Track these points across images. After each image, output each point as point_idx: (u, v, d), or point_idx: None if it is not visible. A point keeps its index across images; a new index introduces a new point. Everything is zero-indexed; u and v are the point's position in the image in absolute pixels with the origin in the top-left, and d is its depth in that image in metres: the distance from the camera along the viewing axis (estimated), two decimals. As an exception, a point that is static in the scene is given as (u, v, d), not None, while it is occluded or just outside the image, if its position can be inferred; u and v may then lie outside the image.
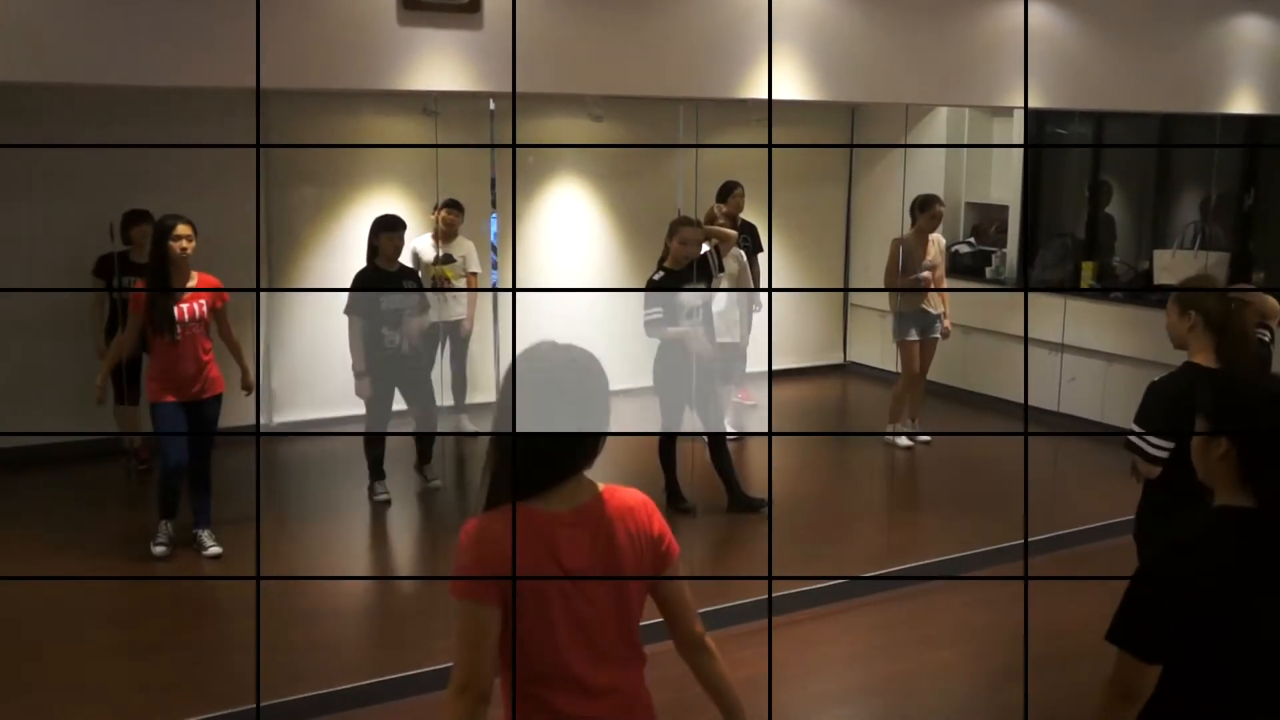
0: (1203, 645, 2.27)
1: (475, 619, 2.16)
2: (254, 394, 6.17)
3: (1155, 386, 3.90)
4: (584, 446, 2.27)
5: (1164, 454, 3.79)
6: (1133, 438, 3.81)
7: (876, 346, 9.13)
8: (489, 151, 8.74)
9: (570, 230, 9.28)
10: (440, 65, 4.74)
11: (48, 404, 7.38)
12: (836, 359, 10.54)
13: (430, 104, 7.25)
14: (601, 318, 9.12)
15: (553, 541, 2.21)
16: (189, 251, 5.75)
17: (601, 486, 2.32)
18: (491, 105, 8.53)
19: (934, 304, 7.93)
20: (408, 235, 7.09)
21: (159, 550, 5.93)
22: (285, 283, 8.34)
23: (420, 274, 7.36)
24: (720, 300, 7.00)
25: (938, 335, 7.99)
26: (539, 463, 2.23)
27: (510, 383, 2.25)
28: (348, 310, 6.65)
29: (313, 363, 8.31)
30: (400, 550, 6.69)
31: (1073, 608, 5.48)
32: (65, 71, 4.23)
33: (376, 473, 6.88)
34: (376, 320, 6.60)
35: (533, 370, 2.25)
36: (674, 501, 6.61)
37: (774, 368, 9.81)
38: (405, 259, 7.12)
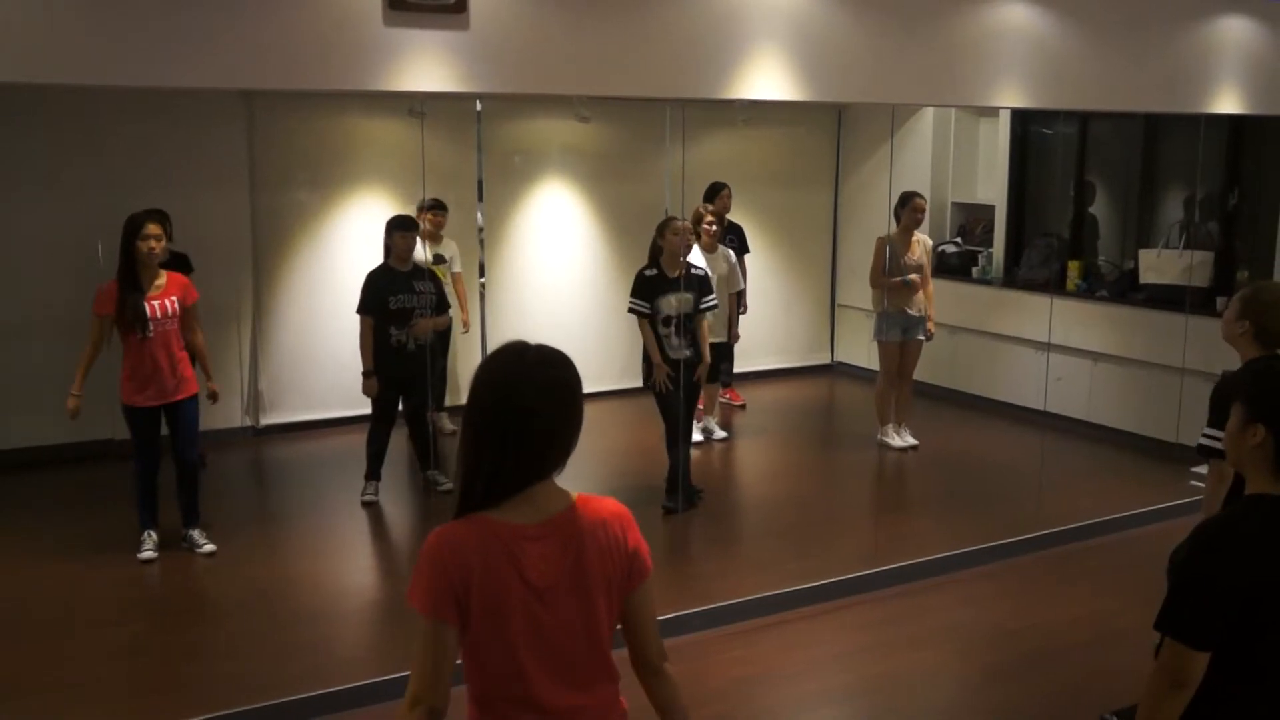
0: (1241, 630, 2.29)
1: (433, 634, 2.08)
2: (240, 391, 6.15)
3: (1218, 388, 3.85)
4: (553, 451, 2.16)
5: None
6: (1206, 441, 3.73)
7: (864, 347, 9.12)
8: (475, 152, 8.74)
9: (558, 231, 9.27)
10: (426, 66, 4.72)
11: (40, 406, 7.33)
12: (824, 359, 10.55)
13: (417, 105, 7.23)
14: (591, 319, 9.15)
15: (517, 555, 2.10)
16: (157, 251, 5.68)
17: (576, 496, 2.21)
18: (478, 106, 8.54)
19: (917, 306, 7.93)
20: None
21: (146, 556, 5.89)
22: (272, 284, 8.30)
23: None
24: (715, 298, 6.99)
25: (922, 337, 7.98)
26: (502, 470, 2.12)
27: (477, 384, 2.15)
28: (361, 310, 6.65)
29: (301, 364, 8.29)
30: (397, 552, 6.66)
31: (1061, 606, 5.50)
32: (48, 72, 4.19)
33: (372, 473, 6.86)
34: (385, 321, 6.60)
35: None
36: (688, 496, 6.68)
37: (761, 368, 9.87)
38: None
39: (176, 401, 5.85)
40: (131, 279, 5.68)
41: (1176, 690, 2.32)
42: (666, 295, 6.54)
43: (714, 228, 7.75)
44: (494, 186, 8.92)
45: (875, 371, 8.27)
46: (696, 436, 7.94)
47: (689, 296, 6.57)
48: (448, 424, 8.05)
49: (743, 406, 9.09)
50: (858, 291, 10.07)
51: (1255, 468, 2.38)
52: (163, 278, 5.80)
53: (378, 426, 6.84)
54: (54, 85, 4.50)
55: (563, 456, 2.18)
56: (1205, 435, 3.77)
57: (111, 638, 5.14)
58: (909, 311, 7.88)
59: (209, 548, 5.99)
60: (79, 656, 4.94)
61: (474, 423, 2.14)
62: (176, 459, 5.94)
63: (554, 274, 9.20)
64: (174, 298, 5.78)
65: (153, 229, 5.66)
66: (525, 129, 9.03)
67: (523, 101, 8.66)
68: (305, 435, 8.26)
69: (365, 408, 7.00)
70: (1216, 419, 3.65)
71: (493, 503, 2.13)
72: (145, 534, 5.93)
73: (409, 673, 2.11)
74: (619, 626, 2.26)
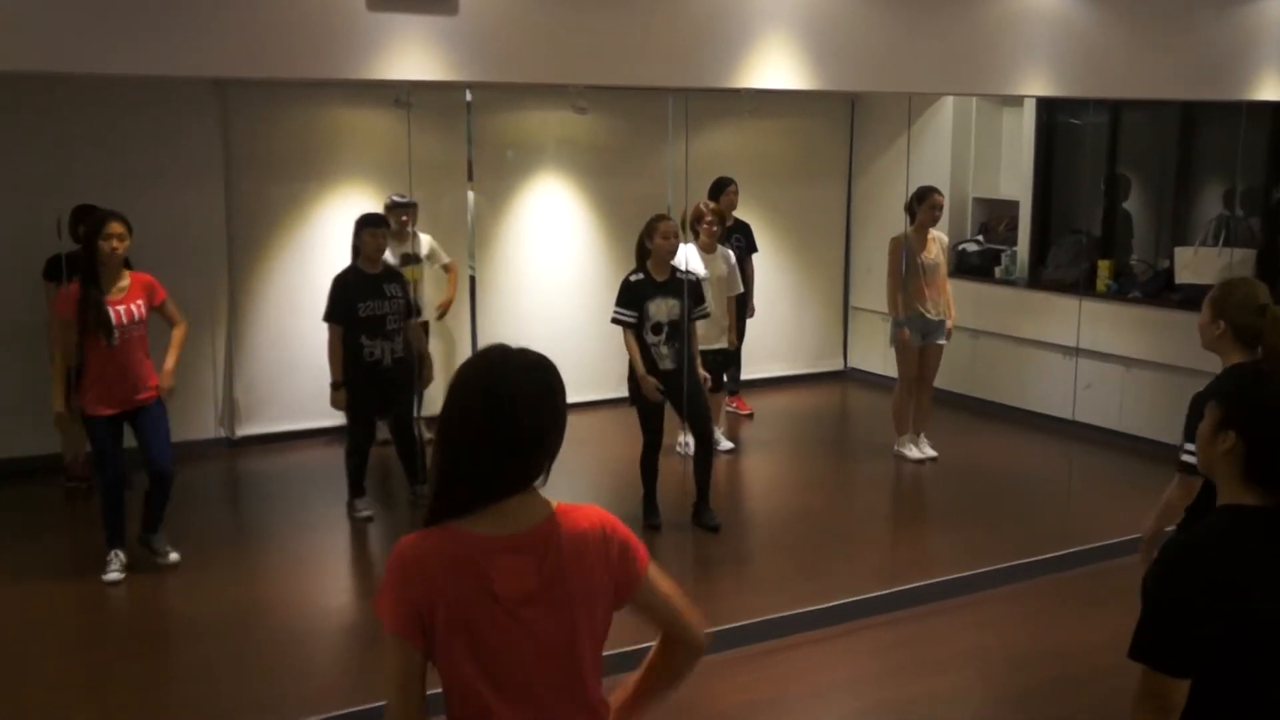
0: (1231, 651, 2.29)
1: (399, 654, 2.08)
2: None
3: (1197, 397, 3.89)
4: (534, 459, 2.16)
5: None
6: (1186, 457, 3.78)
7: (880, 352, 9.15)
8: (465, 145, 8.76)
9: (553, 229, 9.28)
10: (413, 53, 4.74)
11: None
12: (836, 365, 10.56)
13: (402, 95, 7.25)
14: (587, 322, 9.16)
15: (485, 568, 2.09)
16: (120, 251, 5.70)
17: (555, 505, 2.20)
18: (468, 96, 8.57)
19: (936, 309, 7.95)
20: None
21: (112, 577, 5.87)
22: (248, 285, 8.32)
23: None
24: (708, 305, 7.01)
25: (942, 341, 8.00)
26: (480, 478, 2.12)
27: (456, 388, 2.15)
28: (327, 318, 6.65)
29: (279, 371, 8.29)
30: (380, 571, 6.67)
31: (1088, 629, 5.51)
32: (3, 58, 4.20)
33: (356, 489, 6.87)
34: (355, 329, 6.59)
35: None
36: (648, 516, 6.66)
37: (770, 375, 9.88)
38: None
39: (140, 406, 5.84)
40: (92, 280, 5.69)
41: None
42: (654, 300, 6.53)
43: (714, 227, 7.75)
44: (485, 182, 8.94)
45: (892, 378, 8.28)
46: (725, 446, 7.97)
47: (676, 303, 6.53)
48: (428, 432, 8.08)
49: (750, 416, 9.11)
50: (872, 293, 10.08)
51: (1225, 475, 2.40)
52: (126, 279, 5.80)
53: (355, 446, 6.82)
54: (10, 73, 4.51)
55: (544, 464, 2.18)
56: (1185, 451, 3.77)
57: (75, 664, 5.15)
58: (927, 315, 7.89)
59: (174, 557, 6.00)
60: (40, 685, 4.93)
61: (451, 426, 2.14)
62: (151, 470, 5.92)
63: (549, 274, 9.22)
64: (139, 301, 5.79)
65: (115, 227, 5.68)
66: (518, 121, 9.05)
67: (516, 91, 8.68)
68: (284, 447, 8.26)
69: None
70: (1194, 432, 3.69)
71: (466, 511, 2.12)
72: (112, 554, 5.92)
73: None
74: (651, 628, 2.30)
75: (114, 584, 5.86)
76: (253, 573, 6.18)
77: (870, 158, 10.29)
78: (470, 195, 8.82)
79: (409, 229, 7.77)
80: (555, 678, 2.14)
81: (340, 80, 6.13)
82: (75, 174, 7.46)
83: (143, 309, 5.81)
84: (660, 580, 2.29)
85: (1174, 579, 2.33)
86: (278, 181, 8.33)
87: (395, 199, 7.63)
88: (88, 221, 5.80)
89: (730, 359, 8.20)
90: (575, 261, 9.36)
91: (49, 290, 7.07)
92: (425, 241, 7.93)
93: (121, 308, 5.74)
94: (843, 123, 10.38)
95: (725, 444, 8.25)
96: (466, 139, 8.75)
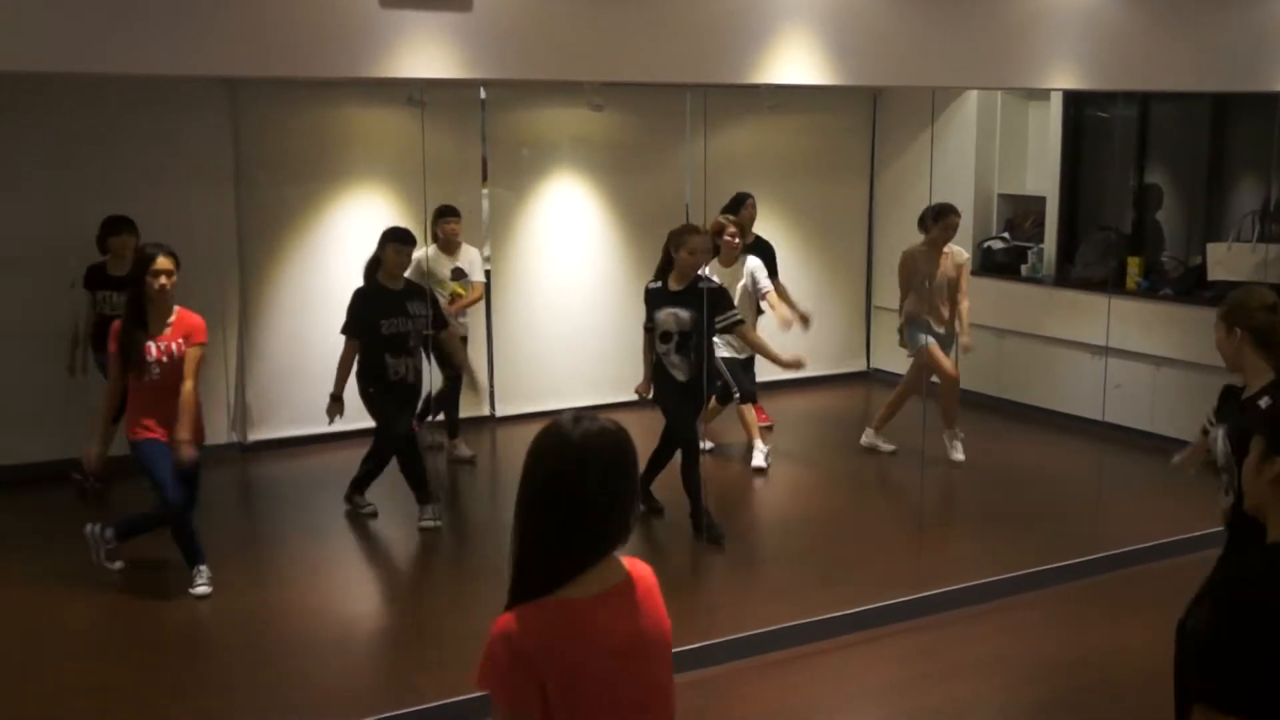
0: (1273, 692, 2.27)
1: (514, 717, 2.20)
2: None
3: (1228, 387, 3.90)
4: (615, 526, 2.29)
5: None
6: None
7: (901, 352, 9.10)
8: (479, 144, 8.78)
9: (569, 229, 9.29)
10: (426, 51, 4.75)
11: (50, 417, 7.40)
12: (859, 366, 10.54)
13: (416, 93, 7.27)
14: (605, 323, 9.17)
15: (587, 631, 2.23)
16: (169, 288, 5.65)
17: (626, 562, 2.36)
18: (483, 94, 8.59)
19: (945, 323, 7.95)
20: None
21: (200, 591, 5.83)
22: (259, 288, 8.35)
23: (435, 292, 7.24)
24: (737, 311, 6.96)
25: (951, 354, 8.02)
26: (570, 548, 2.24)
27: (533, 461, 2.26)
28: (345, 331, 6.65)
29: (292, 375, 8.31)
30: (394, 578, 6.69)
31: (1118, 636, 5.48)
32: (11, 59, 4.22)
33: (360, 486, 6.94)
34: (378, 346, 6.57)
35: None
36: (646, 500, 6.74)
37: (789, 377, 9.80)
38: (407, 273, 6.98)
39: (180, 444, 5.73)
40: (139, 317, 5.67)
41: None
42: (663, 310, 6.51)
43: (736, 240, 7.68)
44: (500, 180, 8.95)
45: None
46: (759, 462, 7.93)
47: (688, 314, 6.47)
48: (465, 450, 8.13)
49: (770, 427, 8.99)
50: (896, 293, 10.05)
51: (1275, 509, 2.40)
52: (174, 315, 5.76)
53: (381, 453, 6.84)
54: (17, 73, 4.54)
55: (626, 530, 2.31)
56: (1210, 423, 3.85)
57: (82, 674, 5.16)
58: (938, 329, 7.93)
59: (204, 590, 5.92)
60: (46, 694, 4.95)
61: (531, 501, 2.25)
62: (162, 498, 5.78)
63: (565, 275, 9.22)
64: (180, 340, 5.72)
65: (163, 263, 5.62)
66: (533, 119, 9.06)
67: (530, 89, 8.69)
68: (296, 452, 8.29)
69: (361, 422, 7.03)
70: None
71: (555, 586, 2.23)
72: (195, 570, 5.88)
73: (412, 709, 2.19)
74: None
75: (202, 597, 5.83)
76: (265, 578, 6.21)
77: (893, 154, 10.26)
78: (485, 195, 8.83)
79: (458, 238, 7.78)
80: (654, 706, 2.34)
81: (352, 79, 6.14)
82: (82, 177, 7.51)
83: (183, 347, 5.75)
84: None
85: (1229, 617, 2.32)
86: (289, 182, 8.35)
87: (444, 206, 7.64)
88: (135, 258, 5.77)
89: (746, 367, 8.06)
90: (591, 261, 9.35)
91: (86, 299, 7.14)
92: (473, 254, 7.95)
93: (160, 344, 5.71)
94: (865, 118, 10.36)
95: (761, 458, 8.06)
96: (481, 138, 8.76)
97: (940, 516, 7.43)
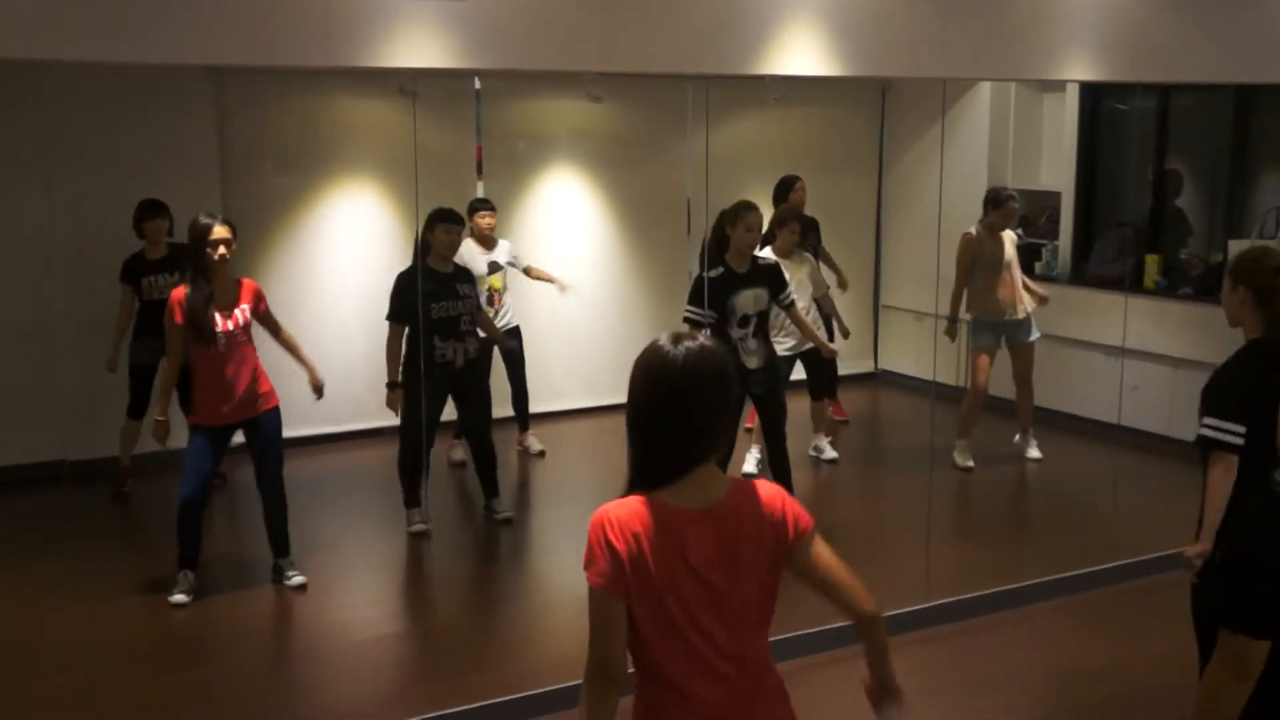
0: None
1: (603, 607, 2.44)
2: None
3: (1223, 371, 3.97)
4: (707, 436, 2.54)
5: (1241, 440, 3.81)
6: (1208, 432, 3.82)
7: (911, 353, 9.08)
8: (474, 135, 8.73)
9: (567, 224, 9.25)
10: (419, 40, 4.70)
11: (38, 418, 7.39)
12: (867, 367, 10.49)
13: (408, 83, 7.22)
14: (605, 319, 9.13)
15: (680, 538, 2.47)
16: (228, 258, 5.68)
17: (733, 481, 2.59)
18: (477, 84, 8.54)
19: (1018, 308, 7.98)
20: (391, 236, 7.06)
21: (178, 599, 5.79)
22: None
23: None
24: (800, 304, 6.92)
25: (1033, 338, 8.08)
26: (670, 454, 2.51)
27: (637, 373, 2.54)
28: (391, 316, 6.61)
29: (284, 374, 8.19)
30: (422, 587, 6.61)
31: (1142, 643, 5.45)
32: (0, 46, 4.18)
33: (411, 498, 6.78)
34: (428, 330, 6.50)
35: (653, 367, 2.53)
36: None
37: (796, 377, 9.76)
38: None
39: (256, 416, 5.86)
40: (206, 289, 5.68)
41: (1238, 683, 2.45)
42: (740, 293, 6.35)
43: (795, 234, 7.55)
44: (496, 174, 8.90)
45: (925, 380, 8.20)
46: (749, 468, 7.88)
47: (763, 291, 6.41)
48: (535, 443, 8.13)
49: (845, 422, 9.03)
50: (905, 291, 10.02)
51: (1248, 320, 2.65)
52: (235, 285, 5.81)
53: (409, 446, 6.69)
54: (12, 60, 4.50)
55: (718, 441, 2.58)
56: (1207, 426, 3.83)
57: (79, 681, 5.12)
58: (1010, 317, 7.96)
59: (299, 579, 6.01)
60: (42, 701, 4.93)
61: (635, 408, 2.56)
62: (263, 479, 5.97)
63: (562, 270, 9.14)
64: (244, 306, 5.79)
65: (220, 232, 5.64)
66: (530, 110, 9.03)
67: (527, 80, 8.65)
68: (293, 453, 8.20)
69: (361, 422, 7.00)
70: (1214, 409, 3.84)
71: (659, 484, 2.51)
72: (182, 573, 5.85)
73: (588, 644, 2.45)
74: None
75: (179, 606, 5.78)
76: (278, 587, 6.15)
77: (903, 148, 10.23)
78: (480, 188, 8.79)
79: (493, 232, 7.78)
80: (732, 630, 2.53)
81: (343, 68, 6.10)
82: (64, 169, 7.47)
83: (248, 315, 5.81)
84: (822, 553, 2.62)
85: (1253, 541, 2.49)
86: (276, 175, 8.33)
87: (478, 199, 7.63)
88: (191, 229, 5.75)
89: (815, 358, 7.93)
90: (590, 256, 9.32)
91: (125, 293, 7.14)
92: (506, 247, 7.94)
93: (229, 313, 5.72)
94: (873, 111, 10.33)
95: (829, 452, 8.21)
96: (476, 130, 8.71)
97: (955, 523, 7.40)
